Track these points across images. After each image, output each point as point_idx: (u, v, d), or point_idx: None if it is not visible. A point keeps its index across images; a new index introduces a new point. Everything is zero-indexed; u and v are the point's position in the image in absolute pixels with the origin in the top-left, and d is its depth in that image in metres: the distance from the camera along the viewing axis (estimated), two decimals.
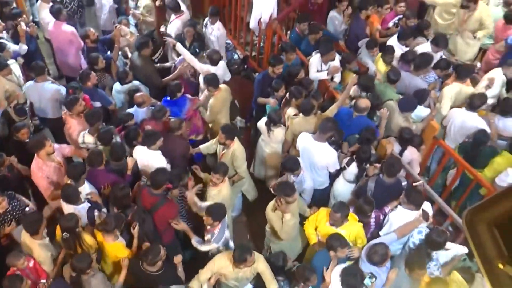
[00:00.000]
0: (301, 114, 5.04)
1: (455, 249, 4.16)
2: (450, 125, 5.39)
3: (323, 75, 5.69)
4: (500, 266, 1.40)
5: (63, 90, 5.61)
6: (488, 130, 5.08)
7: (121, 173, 4.70)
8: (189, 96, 5.61)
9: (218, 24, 6.57)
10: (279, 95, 5.44)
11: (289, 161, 4.67)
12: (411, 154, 4.96)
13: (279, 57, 5.72)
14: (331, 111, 5.06)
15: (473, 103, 5.16)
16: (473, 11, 6.08)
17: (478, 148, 5.03)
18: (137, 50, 6.01)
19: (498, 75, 5.66)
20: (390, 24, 6.51)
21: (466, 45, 6.30)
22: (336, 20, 6.63)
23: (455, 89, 5.37)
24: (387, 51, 5.77)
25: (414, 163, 5.00)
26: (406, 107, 5.07)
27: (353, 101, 5.24)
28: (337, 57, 5.76)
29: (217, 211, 4.13)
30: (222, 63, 5.96)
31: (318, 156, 4.81)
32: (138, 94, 5.44)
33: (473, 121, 5.15)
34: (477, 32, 6.17)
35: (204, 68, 5.76)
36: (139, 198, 4.52)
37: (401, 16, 6.42)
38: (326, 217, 4.28)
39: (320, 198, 5.13)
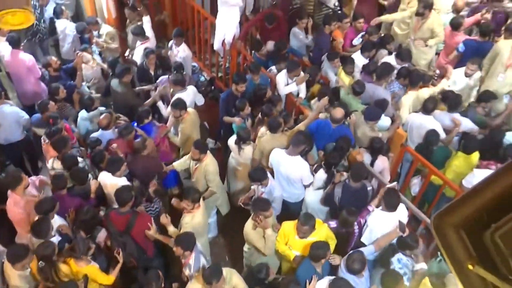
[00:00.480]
0: (268, 132, 5.10)
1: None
2: (410, 130, 5.57)
3: (293, 87, 5.80)
4: (470, 267, 1.43)
5: (23, 113, 5.56)
6: (441, 132, 5.27)
7: (86, 197, 4.65)
8: (156, 122, 5.59)
9: (183, 45, 6.61)
10: (244, 113, 5.50)
11: (256, 172, 4.72)
12: (382, 163, 5.07)
13: (242, 75, 5.81)
14: (299, 128, 5.13)
15: (427, 106, 5.39)
16: (426, 19, 6.32)
17: (431, 148, 5.22)
18: (118, 77, 6.00)
19: (459, 74, 5.96)
20: (355, 42, 6.67)
21: (419, 52, 6.51)
22: (300, 36, 6.75)
23: (411, 98, 5.57)
24: (347, 62, 5.96)
25: (385, 172, 5.11)
26: (371, 116, 5.19)
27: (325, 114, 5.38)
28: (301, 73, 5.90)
29: (186, 240, 4.05)
30: (192, 88, 5.96)
31: (292, 170, 4.87)
32: (102, 116, 5.41)
33: (430, 123, 5.34)
34: (429, 40, 6.39)
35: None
36: (110, 225, 4.46)
37: (364, 33, 6.59)
38: (293, 231, 4.30)
39: (298, 211, 5.18)
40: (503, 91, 5.75)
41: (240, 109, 5.48)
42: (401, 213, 4.45)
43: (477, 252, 1.47)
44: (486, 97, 5.51)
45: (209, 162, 4.93)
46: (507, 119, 5.76)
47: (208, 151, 5.04)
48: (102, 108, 5.76)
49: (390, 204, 4.33)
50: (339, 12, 7.74)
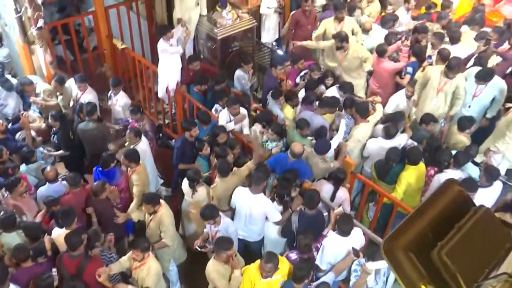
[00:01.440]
0: (217, 178, 5.09)
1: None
2: (370, 155, 5.78)
3: (231, 125, 5.89)
4: (422, 287, 1.49)
5: None
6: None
7: (41, 254, 4.43)
8: (121, 168, 5.48)
9: (121, 93, 6.58)
10: (204, 153, 5.51)
11: (207, 210, 4.68)
12: (344, 194, 5.22)
13: (191, 120, 5.82)
14: (248, 166, 5.16)
15: (389, 131, 5.58)
16: (348, 50, 6.63)
17: (390, 165, 5.40)
18: (88, 115, 5.95)
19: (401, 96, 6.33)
20: (298, 80, 6.89)
21: (352, 81, 6.73)
22: (243, 79, 6.91)
23: (362, 131, 5.75)
24: (291, 97, 6.20)
25: (346, 202, 5.23)
26: (322, 149, 5.33)
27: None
28: (242, 110, 6.03)
29: None
30: (144, 138, 5.90)
31: (256, 208, 4.89)
32: (48, 168, 5.26)
33: (389, 145, 5.53)
34: (364, 66, 6.68)
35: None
36: (62, 268, 4.31)
37: (306, 70, 6.83)
38: (257, 273, 4.25)
39: (258, 251, 5.18)
40: (438, 113, 6.08)
41: (199, 150, 5.51)
42: (355, 238, 4.52)
43: (427, 272, 1.52)
44: (428, 119, 5.79)
45: (164, 212, 4.83)
46: (445, 139, 6.08)
47: (163, 202, 4.94)
48: (41, 161, 5.64)
49: (343, 229, 4.42)
50: (277, 50, 8.00)
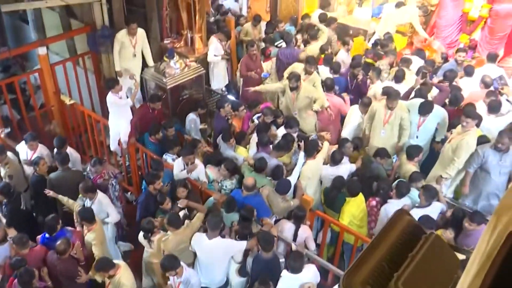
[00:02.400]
0: (169, 232, 5.00)
1: None
2: (323, 183, 5.97)
3: (184, 174, 5.84)
4: None
5: None
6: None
7: None
8: (69, 228, 5.25)
9: (69, 149, 6.39)
10: (165, 207, 5.41)
11: (167, 260, 4.57)
12: (305, 231, 5.24)
13: (154, 173, 5.72)
14: (199, 218, 5.10)
15: (335, 158, 5.81)
16: (300, 90, 6.84)
17: (335, 193, 5.58)
18: (60, 165, 5.83)
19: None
20: (250, 123, 7.00)
21: (304, 120, 6.94)
22: (193, 123, 6.94)
23: (310, 168, 5.85)
24: (242, 138, 6.38)
25: (309, 240, 5.27)
26: (283, 189, 5.41)
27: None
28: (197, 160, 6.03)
29: None
30: (101, 195, 5.72)
31: (215, 252, 4.84)
32: None
33: (336, 173, 5.73)
34: (313, 106, 6.85)
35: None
36: None
37: (259, 114, 6.95)
38: None
39: None
40: (389, 144, 6.34)
41: (160, 204, 5.42)
42: (308, 275, 4.52)
43: None
44: (382, 154, 5.99)
45: (123, 273, 4.64)
46: (396, 170, 6.28)
47: (122, 263, 4.77)
48: None
49: (294, 267, 4.43)
50: (228, 95, 8.13)
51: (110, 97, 6.57)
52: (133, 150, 6.69)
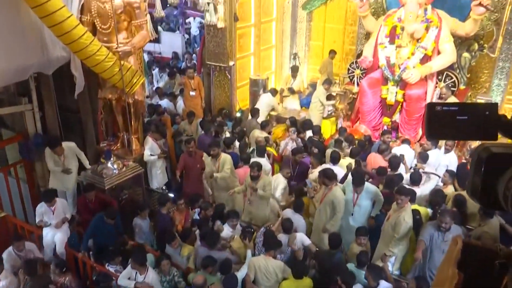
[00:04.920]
0: None
1: None
2: None
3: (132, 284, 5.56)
4: None
5: None
6: None
7: None
8: None
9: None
10: None
11: None
12: None
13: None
14: None
15: (286, 226, 6.01)
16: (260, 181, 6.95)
17: None
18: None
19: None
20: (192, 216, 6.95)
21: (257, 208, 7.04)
22: (138, 227, 6.78)
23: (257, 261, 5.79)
24: (187, 234, 6.35)
25: None
26: (229, 285, 5.30)
27: None
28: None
29: None
30: None
31: None
32: None
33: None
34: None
35: None
36: None
37: (199, 209, 6.95)
38: None
39: None
40: (321, 223, 6.49)
41: None
42: None
43: None
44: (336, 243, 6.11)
45: None
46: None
47: None
48: None
49: None
50: (168, 194, 8.08)
51: (42, 207, 6.38)
52: (72, 258, 6.35)
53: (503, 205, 1.08)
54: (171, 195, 7.76)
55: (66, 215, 6.68)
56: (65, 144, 7.19)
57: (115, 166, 7.25)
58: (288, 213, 6.68)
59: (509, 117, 1.23)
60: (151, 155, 7.96)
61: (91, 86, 7.58)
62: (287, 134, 9.21)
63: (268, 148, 8.28)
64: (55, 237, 6.53)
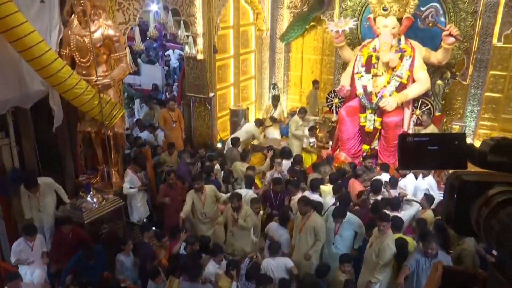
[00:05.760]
0: None
1: None
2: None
3: None
4: None
5: None
6: None
7: None
8: None
9: None
10: None
11: None
12: None
13: None
14: None
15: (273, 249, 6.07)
16: (242, 210, 6.90)
17: None
18: None
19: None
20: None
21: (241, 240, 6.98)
22: (120, 263, 6.63)
23: None
24: (174, 268, 6.10)
25: None
26: None
27: None
28: None
29: None
30: None
31: None
32: None
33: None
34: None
35: None
36: None
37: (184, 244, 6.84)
38: None
39: None
40: (302, 251, 6.47)
41: None
42: None
43: None
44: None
45: None
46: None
47: None
48: None
49: None
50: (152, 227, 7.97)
51: (20, 245, 6.22)
52: None
53: (476, 232, 1.10)
54: (153, 228, 7.65)
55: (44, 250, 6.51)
56: (41, 180, 7.06)
57: (95, 199, 7.13)
58: (274, 226, 6.65)
59: (481, 142, 1.28)
60: (130, 187, 7.85)
61: (70, 119, 7.52)
62: (263, 162, 9.25)
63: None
64: (33, 274, 6.33)
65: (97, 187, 7.61)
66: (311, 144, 10.31)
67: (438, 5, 9.29)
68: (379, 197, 7.31)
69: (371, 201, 7.26)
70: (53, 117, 7.00)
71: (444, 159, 1.23)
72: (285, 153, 9.06)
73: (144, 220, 8.25)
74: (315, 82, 11.73)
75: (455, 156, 1.21)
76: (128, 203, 8.00)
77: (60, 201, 7.34)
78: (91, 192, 7.11)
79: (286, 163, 8.72)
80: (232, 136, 9.95)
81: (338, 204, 6.93)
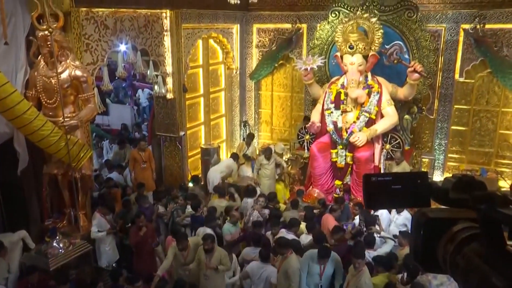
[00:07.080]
0: None
1: None
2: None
3: None
4: None
5: None
6: None
7: None
8: None
9: None
10: None
11: None
12: None
13: None
14: None
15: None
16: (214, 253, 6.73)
17: None
18: None
19: None
20: None
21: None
22: None
23: None
24: None
25: None
26: None
27: None
28: None
29: None
30: None
31: None
32: None
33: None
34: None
35: None
36: None
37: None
38: None
39: None
40: None
41: None
42: None
43: None
44: None
45: None
46: None
47: None
48: None
49: None
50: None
51: None
52: None
53: (443, 268, 1.09)
54: (124, 272, 7.37)
55: None
56: (5, 240, 6.67)
57: (61, 244, 6.85)
58: (253, 265, 6.46)
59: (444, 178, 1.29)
60: (99, 231, 7.59)
61: (36, 161, 7.32)
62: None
63: None
64: None
65: (63, 231, 7.33)
66: (279, 176, 10.32)
67: (401, 43, 9.61)
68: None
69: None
70: (18, 159, 6.80)
71: (408, 198, 1.24)
72: (249, 191, 8.95)
73: (114, 265, 7.95)
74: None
75: (418, 194, 1.22)
76: (96, 247, 7.72)
77: (25, 247, 7.03)
78: (57, 237, 6.84)
79: (251, 201, 8.59)
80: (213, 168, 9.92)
81: (313, 242, 6.82)
